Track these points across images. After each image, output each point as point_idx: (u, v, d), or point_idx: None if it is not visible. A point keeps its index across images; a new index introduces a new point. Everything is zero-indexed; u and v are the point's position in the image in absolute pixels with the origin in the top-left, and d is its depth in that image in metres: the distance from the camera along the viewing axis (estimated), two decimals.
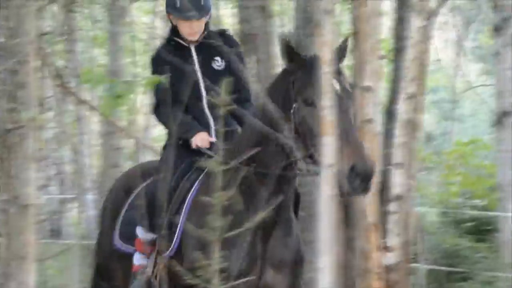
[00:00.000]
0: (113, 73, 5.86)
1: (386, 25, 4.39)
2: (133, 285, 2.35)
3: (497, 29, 5.60)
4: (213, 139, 2.30)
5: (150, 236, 2.30)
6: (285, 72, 2.09)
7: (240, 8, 4.74)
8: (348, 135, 1.80)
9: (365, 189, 1.84)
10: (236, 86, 1.93)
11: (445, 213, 6.47)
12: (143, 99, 7.95)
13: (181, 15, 2.35)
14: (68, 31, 7.04)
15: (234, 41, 2.54)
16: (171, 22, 2.45)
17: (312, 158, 1.87)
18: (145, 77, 5.56)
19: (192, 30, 2.37)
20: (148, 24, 9.53)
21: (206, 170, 2.06)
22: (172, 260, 2.15)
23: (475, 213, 6.26)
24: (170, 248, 2.19)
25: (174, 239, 2.18)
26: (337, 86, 1.87)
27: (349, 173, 1.76)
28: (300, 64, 1.97)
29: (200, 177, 2.22)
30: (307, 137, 1.87)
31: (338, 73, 1.93)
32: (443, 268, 5.65)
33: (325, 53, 1.40)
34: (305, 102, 1.91)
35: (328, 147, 1.35)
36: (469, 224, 6.18)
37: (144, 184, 2.42)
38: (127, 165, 5.77)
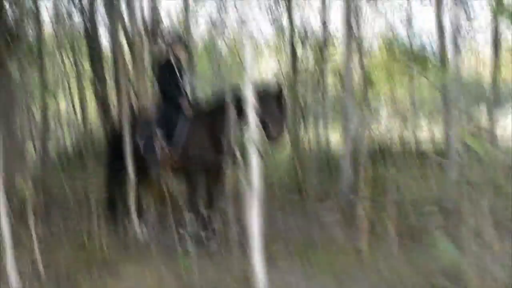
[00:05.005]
0: None
1: None
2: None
3: None
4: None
5: (165, 144, 4.38)
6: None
7: None
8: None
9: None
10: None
11: None
12: None
13: (184, 45, 4.69)
14: None
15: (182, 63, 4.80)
16: (172, 50, 4.56)
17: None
18: None
19: (184, 54, 4.71)
20: None
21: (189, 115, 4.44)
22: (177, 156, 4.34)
23: None
24: (178, 149, 4.34)
25: (180, 145, 4.34)
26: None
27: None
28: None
29: (187, 118, 4.41)
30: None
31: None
32: None
33: None
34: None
35: None
36: None
37: (153, 121, 4.54)
38: None
